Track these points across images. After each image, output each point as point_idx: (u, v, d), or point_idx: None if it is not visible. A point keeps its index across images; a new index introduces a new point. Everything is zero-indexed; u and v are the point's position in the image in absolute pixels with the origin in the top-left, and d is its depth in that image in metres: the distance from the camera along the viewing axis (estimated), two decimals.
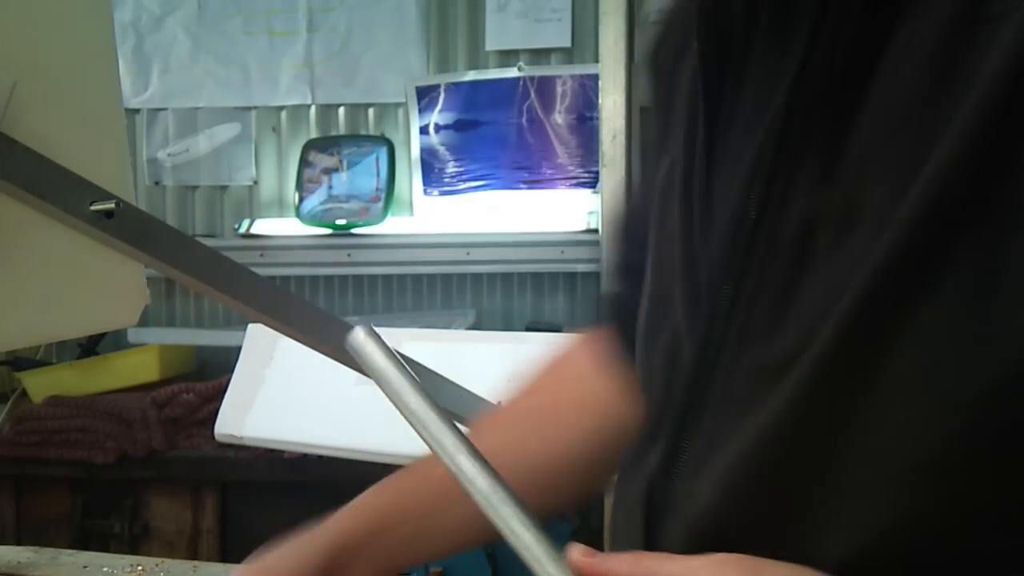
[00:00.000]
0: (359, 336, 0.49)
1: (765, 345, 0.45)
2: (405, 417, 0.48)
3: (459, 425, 0.48)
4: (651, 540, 0.50)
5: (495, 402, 0.92)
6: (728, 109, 0.51)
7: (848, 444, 0.41)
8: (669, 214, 0.55)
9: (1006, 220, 0.38)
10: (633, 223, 0.71)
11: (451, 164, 2.47)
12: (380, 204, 2.45)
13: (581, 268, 2.38)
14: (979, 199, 0.38)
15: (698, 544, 0.43)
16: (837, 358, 0.41)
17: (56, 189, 0.52)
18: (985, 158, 0.38)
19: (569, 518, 1.89)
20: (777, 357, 0.44)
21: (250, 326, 1.30)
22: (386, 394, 0.48)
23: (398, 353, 0.49)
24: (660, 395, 0.54)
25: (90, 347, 2.40)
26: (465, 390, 0.82)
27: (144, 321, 2.18)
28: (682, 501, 0.48)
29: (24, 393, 2.29)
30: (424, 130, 2.47)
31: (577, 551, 0.42)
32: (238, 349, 1.30)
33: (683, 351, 0.51)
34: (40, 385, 2.24)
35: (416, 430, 0.47)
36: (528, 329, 2.28)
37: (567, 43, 2.42)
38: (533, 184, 2.43)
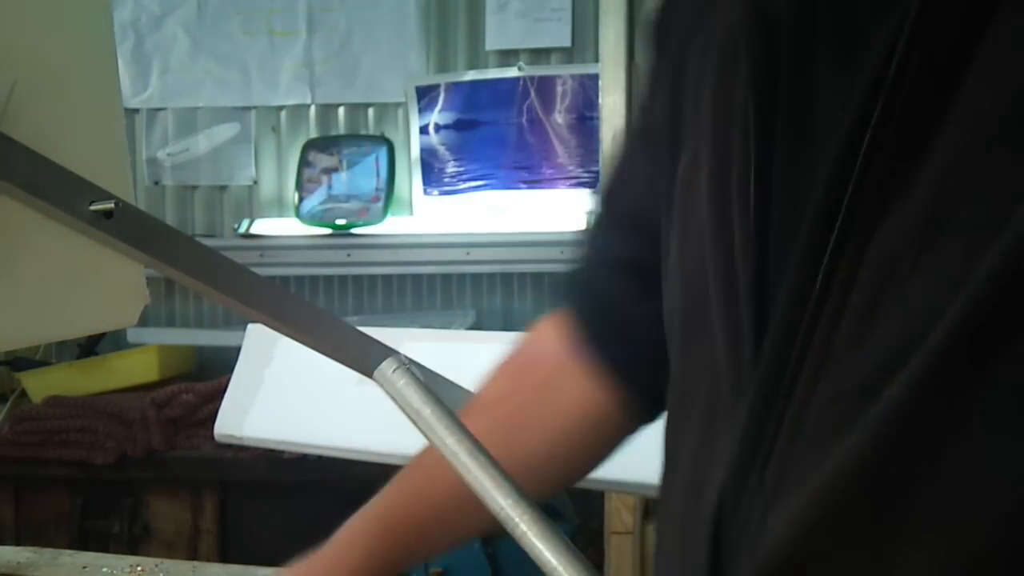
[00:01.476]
0: (388, 370, 0.51)
1: (846, 370, 0.42)
2: (439, 449, 0.49)
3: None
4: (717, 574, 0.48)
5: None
6: (784, 120, 0.47)
7: (937, 478, 0.39)
8: (694, 215, 0.52)
9: None
10: (616, 204, 0.70)
11: (451, 164, 2.47)
12: (380, 204, 2.45)
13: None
14: None
15: None
16: (930, 387, 0.38)
17: (55, 189, 0.51)
18: None
19: (569, 518, 1.89)
20: (860, 383, 0.41)
21: (250, 326, 1.30)
22: (419, 428, 0.50)
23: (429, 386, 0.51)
24: (708, 416, 0.51)
25: (90, 347, 2.40)
26: (465, 390, 0.82)
27: (144, 321, 2.18)
28: (754, 537, 0.45)
29: (24, 393, 2.29)
30: (424, 130, 2.47)
31: None
32: (238, 349, 1.30)
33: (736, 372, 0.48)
34: (40, 385, 2.24)
35: (452, 463, 0.49)
36: (528, 329, 2.27)
37: (567, 43, 2.42)
38: (533, 184, 2.43)
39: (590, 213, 0.73)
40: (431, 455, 0.59)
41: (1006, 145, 0.38)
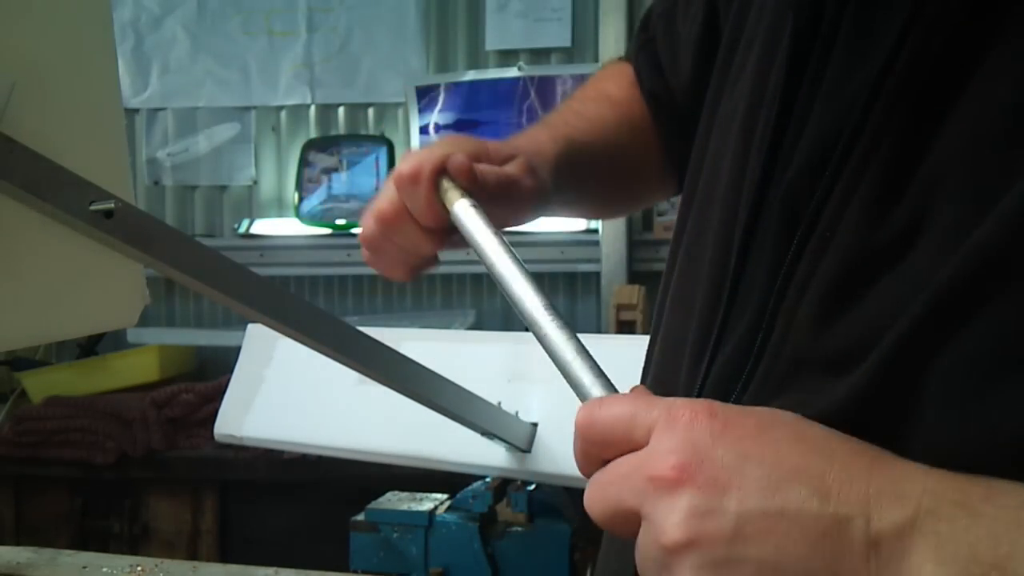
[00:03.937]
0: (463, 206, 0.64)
1: (814, 343, 0.45)
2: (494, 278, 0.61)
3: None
4: None
5: (496, 402, 0.92)
6: (811, 84, 0.50)
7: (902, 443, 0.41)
8: (723, 156, 0.57)
9: None
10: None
11: None
12: None
13: (581, 268, 2.38)
14: None
15: None
16: (892, 374, 0.41)
17: (55, 189, 0.51)
18: None
19: (569, 518, 1.89)
20: (826, 358, 0.44)
21: (250, 326, 1.30)
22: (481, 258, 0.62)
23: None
24: (676, 357, 0.56)
25: (89, 347, 2.40)
26: (465, 390, 0.82)
27: (144, 321, 2.18)
28: None
29: (24, 393, 2.28)
30: (424, 130, 2.47)
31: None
32: (238, 349, 1.30)
33: (711, 319, 0.52)
34: (39, 385, 2.24)
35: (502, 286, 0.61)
36: (528, 329, 2.28)
37: (567, 43, 2.42)
38: None
39: None
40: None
41: (991, 152, 0.40)
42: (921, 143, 0.42)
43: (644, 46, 0.82)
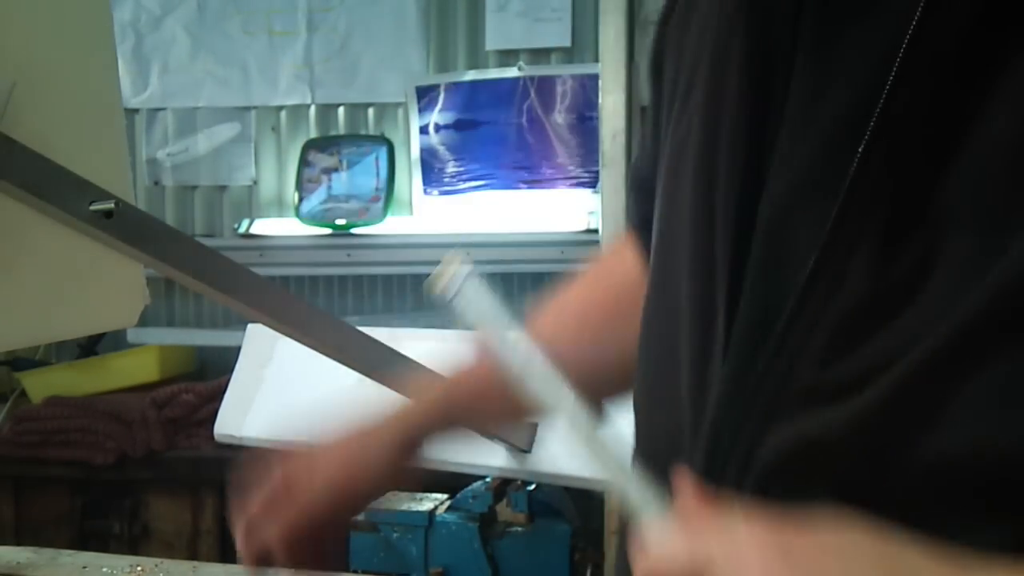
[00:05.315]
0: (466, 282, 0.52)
1: (820, 374, 0.43)
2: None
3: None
4: None
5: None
6: (775, 111, 0.46)
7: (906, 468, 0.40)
8: (680, 189, 0.53)
9: None
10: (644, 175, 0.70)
11: (451, 164, 2.47)
12: (380, 204, 2.45)
13: (582, 268, 2.38)
14: None
15: None
16: (906, 399, 0.39)
17: (55, 189, 0.51)
18: None
19: (569, 518, 1.89)
20: (833, 387, 0.42)
21: (250, 326, 1.30)
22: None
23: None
24: (670, 397, 0.52)
25: (89, 347, 2.40)
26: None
27: (144, 321, 2.18)
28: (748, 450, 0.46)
29: (23, 393, 2.29)
30: (424, 130, 2.47)
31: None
32: (238, 349, 1.30)
33: (704, 356, 0.49)
34: (39, 385, 2.24)
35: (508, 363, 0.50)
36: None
37: (567, 43, 2.42)
38: (533, 184, 2.43)
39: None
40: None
41: (1009, 179, 0.38)
42: (928, 175, 0.40)
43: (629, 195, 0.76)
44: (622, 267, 0.74)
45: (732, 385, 0.47)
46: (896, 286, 0.41)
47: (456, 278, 0.52)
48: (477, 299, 0.52)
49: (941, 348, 0.39)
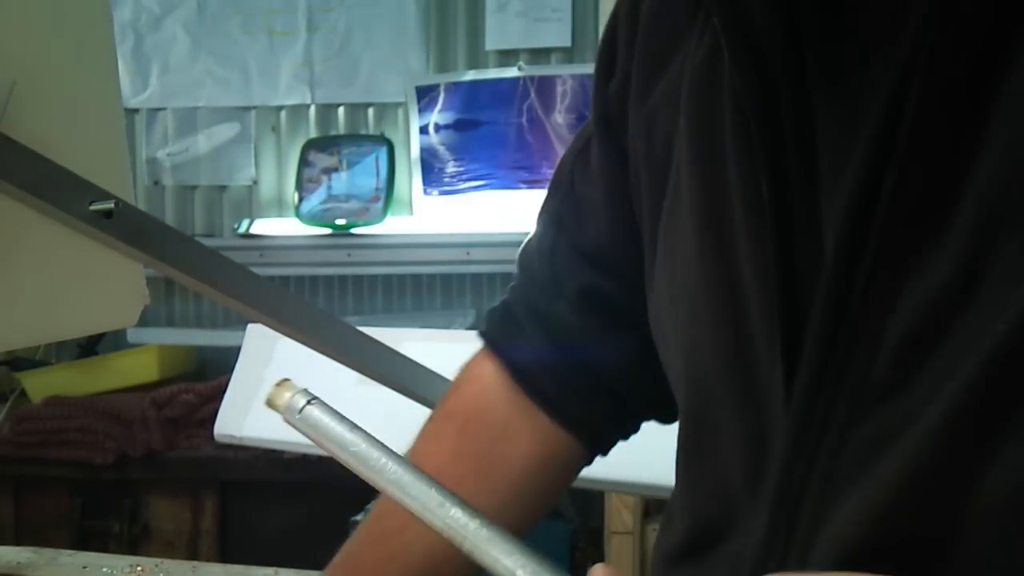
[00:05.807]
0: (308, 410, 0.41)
1: (879, 415, 0.40)
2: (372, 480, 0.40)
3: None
4: None
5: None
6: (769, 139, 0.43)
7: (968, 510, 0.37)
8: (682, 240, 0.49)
9: None
10: (572, 235, 0.63)
11: (451, 164, 2.47)
12: (380, 204, 2.45)
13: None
14: None
15: None
16: (962, 423, 0.37)
17: (55, 189, 0.51)
18: None
19: (569, 518, 1.89)
20: (888, 426, 0.40)
21: (249, 326, 1.30)
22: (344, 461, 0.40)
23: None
24: (726, 473, 0.48)
25: (89, 347, 2.40)
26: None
27: (144, 321, 2.18)
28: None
29: (23, 393, 2.29)
30: (424, 130, 2.47)
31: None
32: (238, 349, 1.30)
33: (763, 432, 0.45)
34: (39, 385, 2.24)
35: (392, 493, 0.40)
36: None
37: (567, 43, 2.42)
38: (533, 184, 2.43)
39: (535, 237, 0.66)
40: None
41: None
42: (960, 181, 0.38)
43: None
44: (486, 400, 0.65)
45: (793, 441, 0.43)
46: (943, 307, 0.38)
47: (293, 405, 0.41)
48: (321, 422, 0.41)
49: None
